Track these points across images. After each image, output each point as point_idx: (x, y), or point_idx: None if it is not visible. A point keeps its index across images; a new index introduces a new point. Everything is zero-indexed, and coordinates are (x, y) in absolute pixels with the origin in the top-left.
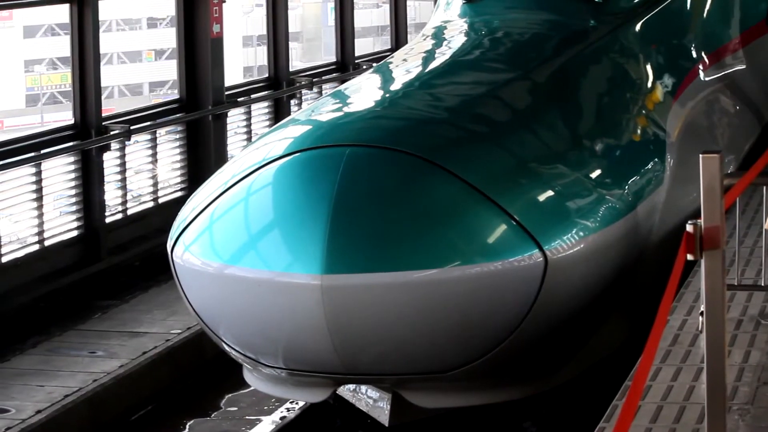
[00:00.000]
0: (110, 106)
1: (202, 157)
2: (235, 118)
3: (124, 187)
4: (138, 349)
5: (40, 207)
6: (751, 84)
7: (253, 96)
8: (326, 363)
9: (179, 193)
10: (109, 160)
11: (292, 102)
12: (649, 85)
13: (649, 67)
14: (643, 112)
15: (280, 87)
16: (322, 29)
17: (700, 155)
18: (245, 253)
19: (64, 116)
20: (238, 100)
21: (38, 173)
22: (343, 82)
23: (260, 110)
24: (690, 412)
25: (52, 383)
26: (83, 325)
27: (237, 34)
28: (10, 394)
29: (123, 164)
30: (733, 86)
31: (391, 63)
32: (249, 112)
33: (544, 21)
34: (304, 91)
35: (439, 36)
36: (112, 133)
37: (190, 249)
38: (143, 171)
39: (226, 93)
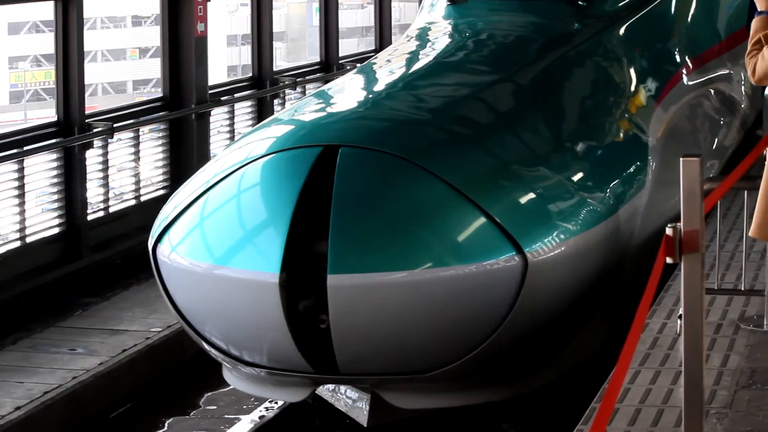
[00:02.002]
0: (94, 104)
1: (185, 155)
2: (218, 117)
3: (106, 185)
4: (118, 347)
5: (22, 204)
6: (733, 89)
7: (236, 95)
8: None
9: (161, 192)
10: (92, 157)
11: (276, 101)
12: (633, 88)
13: (632, 71)
14: (626, 115)
15: (263, 86)
16: (307, 29)
17: (681, 159)
18: (227, 252)
19: (47, 113)
20: (222, 99)
21: (21, 170)
22: (326, 82)
23: (243, 109)
24: (667, 416)
25: (31, 380)
26: (64, 323)
27: (221, 33)
28: None
29: (105, 162)
30: (715, 91)
31: (374, 64)
32: (232, 111)
33: (528, 23)
34: (287, 90)
35: (423, 37)
36: (95, 130)
37: (172, 247)
38: (126, 169)
39: (210, 92)
